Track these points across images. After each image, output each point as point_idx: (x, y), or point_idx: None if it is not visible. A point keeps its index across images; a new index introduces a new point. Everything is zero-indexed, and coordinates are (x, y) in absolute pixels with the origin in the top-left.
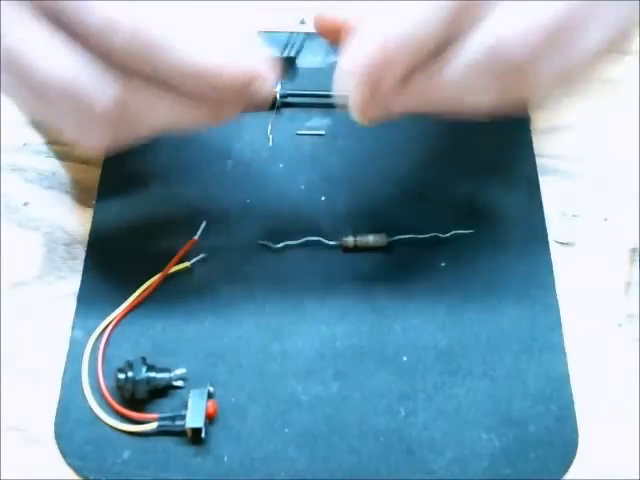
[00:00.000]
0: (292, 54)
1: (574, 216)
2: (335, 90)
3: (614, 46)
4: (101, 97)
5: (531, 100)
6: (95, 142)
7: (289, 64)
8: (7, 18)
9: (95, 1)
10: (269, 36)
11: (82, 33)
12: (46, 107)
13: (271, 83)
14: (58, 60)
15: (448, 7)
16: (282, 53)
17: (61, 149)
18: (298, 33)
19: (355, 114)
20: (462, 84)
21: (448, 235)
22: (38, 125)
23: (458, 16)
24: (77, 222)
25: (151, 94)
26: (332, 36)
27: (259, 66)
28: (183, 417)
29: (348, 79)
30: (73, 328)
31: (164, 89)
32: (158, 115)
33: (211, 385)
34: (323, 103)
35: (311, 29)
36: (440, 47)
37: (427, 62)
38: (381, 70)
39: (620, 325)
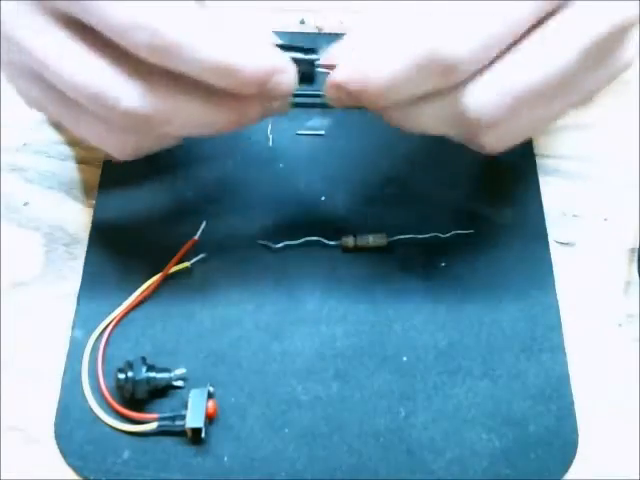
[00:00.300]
0: (313, 57)
1: (574, 216)
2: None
3: (576, 107)
4: (126, 99)
5: (493, 149)
6: (120, 148)
7: (309, 68)
8: (32, 25)
9: (116, 2)
10: (281, 36)
11: (105, 35)
12: (72, 113)
13: (290, 78)
14: (83, 64)
15: (429, 71)
16: (303, 55)
17: (61, 149)
18: (318, 34)
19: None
20: (433, 126)
21: (448, 235)
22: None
23: (438, 79)
24: (77, 222)
25: (175, 95)
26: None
27: (277, 60)
28: (183, 417)
29: (328, 86)
30: (73, 328)
31: (188, 90)
32: (183, 117)
33: (211, 385)
34: (323, 103)
35: (312, 29)
36: (419, 96)
37: (404, 103)
38: (359, 97)
39: (620, 325)
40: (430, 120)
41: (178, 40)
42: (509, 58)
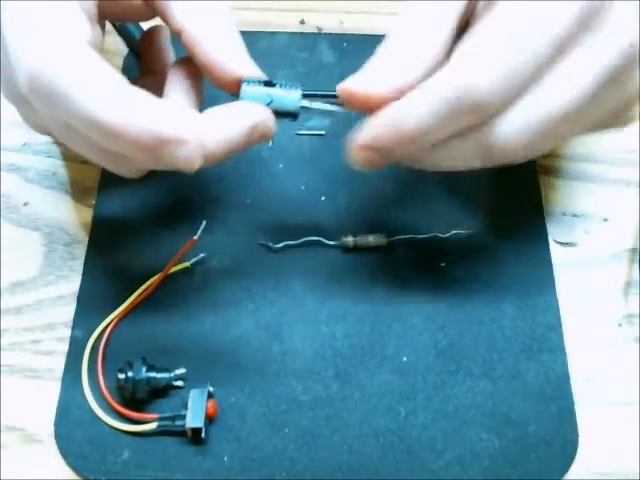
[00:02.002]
0: (292, 110)
1: (574, 216)
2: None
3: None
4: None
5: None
6: (118, 169)
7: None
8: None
9: (11, 40)
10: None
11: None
12: (70, 140)
13: (191, 151)
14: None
15: (460, 112)
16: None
17: (61, 149)
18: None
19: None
20: (463, 163)
21: (448, 235)
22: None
23: (468, 119)
24: (77, 222)
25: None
26: (359, 108)
27: (175, 130)
28: (183, 417)
29: (355, 150)
30: (73, 328)
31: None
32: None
33: (211, 385)
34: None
35: (312, 29)
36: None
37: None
38: (382, 154)
39: (620, 325)
40: (461, 158)
41: (57, 88)
42: (532, 93)
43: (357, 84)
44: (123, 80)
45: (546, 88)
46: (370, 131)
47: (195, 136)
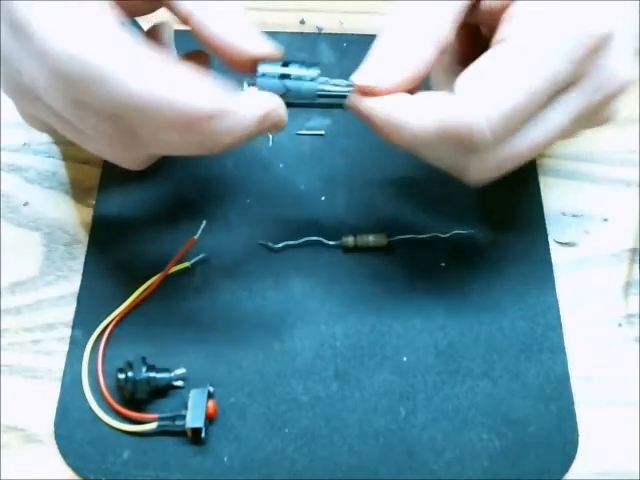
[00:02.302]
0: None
1: (574, 216)
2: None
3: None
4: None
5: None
6: (122, 159)
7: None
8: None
9: (39, 25)
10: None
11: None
12: (74, 132)
13: (232, 125)
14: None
15: (451, 142)
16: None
17: (61, 149)
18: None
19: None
20: (434, 162)
21: (448, 235)
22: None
23: (459, 146)
24: (77, 222)
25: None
26: None
27: (217, 103)
28: (183, 417)
29: (349, 102)
30: (73, 328)
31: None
32: (159, 141)
33: (211, 385)
34: (323, 103)
35: (312, 29)
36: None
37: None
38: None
39: (620, 325)
40: (434, 160)
41: (90, 69)
42: (518, 135)
43: (363, 78)
44: (163, 56)
45: (531, 129)
46: (367, 105)
47: (231, 110)
